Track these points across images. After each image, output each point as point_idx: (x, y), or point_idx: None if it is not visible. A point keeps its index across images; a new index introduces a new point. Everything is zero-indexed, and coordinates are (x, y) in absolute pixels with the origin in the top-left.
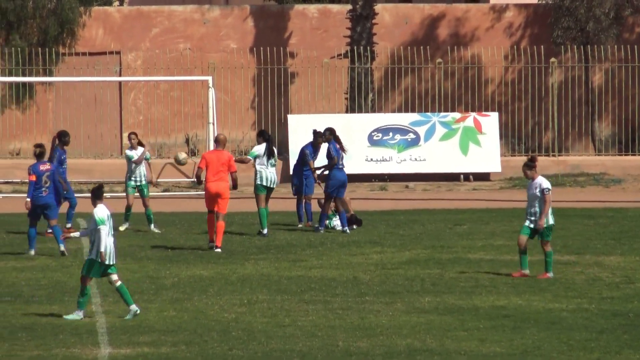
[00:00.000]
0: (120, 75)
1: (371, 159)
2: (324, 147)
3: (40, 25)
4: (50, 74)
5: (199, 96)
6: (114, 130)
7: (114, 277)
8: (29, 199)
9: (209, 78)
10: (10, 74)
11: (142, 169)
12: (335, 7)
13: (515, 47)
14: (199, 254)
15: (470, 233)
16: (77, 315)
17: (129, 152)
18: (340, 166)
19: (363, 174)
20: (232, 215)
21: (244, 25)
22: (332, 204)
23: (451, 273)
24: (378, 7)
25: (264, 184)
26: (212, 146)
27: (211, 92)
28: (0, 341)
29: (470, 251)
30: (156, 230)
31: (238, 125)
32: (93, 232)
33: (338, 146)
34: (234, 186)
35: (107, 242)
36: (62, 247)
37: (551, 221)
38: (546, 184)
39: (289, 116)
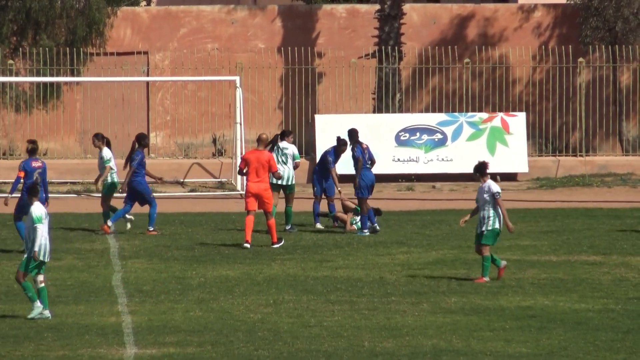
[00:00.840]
0: (147, 75)
1: (398, 159)
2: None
3: (68, 25)
4: (78, 74)
5: (227, 96)
6: (141, 130)
7: (41, 277)
8: (9, 196)
9: (237, 78)
10: (37, 74)
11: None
12: (363, 7)
13: (543, 47)
14: (226, 254)
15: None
16: (37, 310)
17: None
18: (368, 166)
19: (390, 174)
20: (259, 215)
21: (272, 25)
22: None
23: (477, 273)
24: (406, 7)
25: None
26: (239, 146)
27: (238, 92)
28: (26, 341)
29: (496, 251)
30: (106, 230)
31: (265, 125)
32: (30, 230)
33: (363, 146)
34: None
35: (42, 240)
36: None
37: (497, 225)
38: (495, 187)
39: (317, 116)
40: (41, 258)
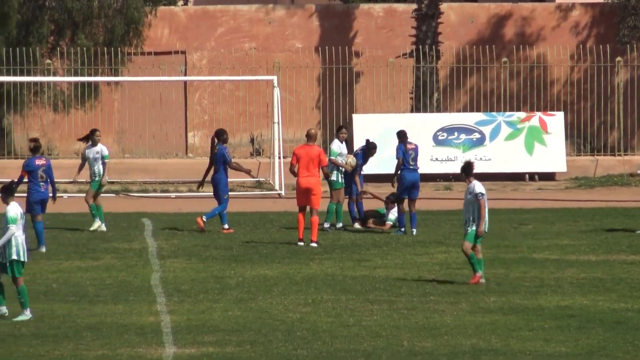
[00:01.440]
0: (185, 74)
1: (436, 159)
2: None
3: (106, 24)
4: (117, 74)
5: (264, 96)
6: (179, 130)
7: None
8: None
9: (274, 77)
10: (75, 74)
11: (99, 167)
12: (400, 7)
13: (581, 46)
14: (264, 253)
15: (535, 233)
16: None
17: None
18: (411, 167)
19: (428, 173)
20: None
21: (309, 25)
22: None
23: (516, 273)
24: (443, 6)
25: None
26: (276, 146)
27: (276, 92)
28: (65, 341)
29: (535, 251)
30: (94, 228)
31: (303, 124)
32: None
33: (409, 147)
34: (325, 177)
35: (16, 240)
36: (43, 249)
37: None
38: (479, 188)
39: (354, 115)
40: (19, 258)
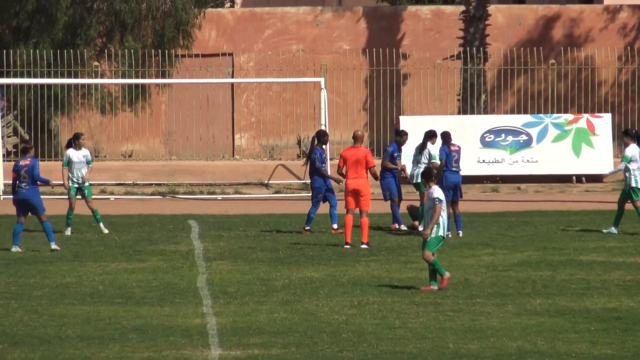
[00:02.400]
0: (232, 76)
1: (483, 161)
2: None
3: (155, 26)
4: (164, 76)
5: (311, 98)
6: (225, 132)
7: None
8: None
9: (321, 79)
10: (123, 76)
11: (82, 171)
12: (448, 8)
13: (628, 47)
14: (310, 255)
15: (581, 235)
16: None
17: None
18: (453, 168)
19: (475, 175)
20: (343, 217)
21: (357, 27)
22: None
23: (563, 275)
24: (491, 8)
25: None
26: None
27: (323, 94)
28: (111, 343)
29: (582, 253)
30: (105, 230)
31: (350, 126)
32: None
33: (453, 148)
34: (375, 179)
35: None
36: (53, 245)
37: (440, 233)
38: (437, 193)
39: (401, 117)
40: None
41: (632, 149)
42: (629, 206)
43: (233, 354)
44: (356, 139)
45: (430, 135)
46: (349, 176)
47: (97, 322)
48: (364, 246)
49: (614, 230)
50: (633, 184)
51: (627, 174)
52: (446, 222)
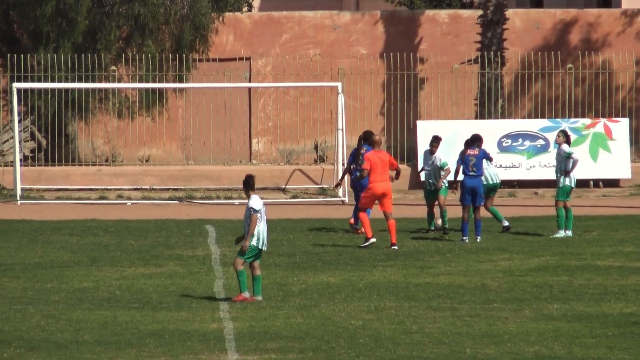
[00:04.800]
0: (249, 81)
1: (500, 165)
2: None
3: (174, 31)
4: (182, 80)
5: (328, 102)
6: (243, 137)
7: None
8: None
9: (339, 84)
10: (140, 80)
11: None
12: (465, 13)
13: None
14: (327, 260)
15: (599, 240)
16: None
17: None
18: (472, 173)
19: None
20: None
21: (374, 31)
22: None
23: (580, 280)
24: (509, 12)
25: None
26: (340, 152)
27: (340, 98)
28: (128, 347)
29: (599, 258)
30: None
31: None
32: None
33: (471, 153)
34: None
35: None
36: None
37: (254, 243)
38: (252, 203)
39: (418, 122)
40: None
41: None
42: None
43: (250, 358)
44: (375, 143)
45: (434, 140)
46: (375, 180)
47: (114, 327)
48: (395, 247)
49: None
50: None
51: None
52: (264, 233)
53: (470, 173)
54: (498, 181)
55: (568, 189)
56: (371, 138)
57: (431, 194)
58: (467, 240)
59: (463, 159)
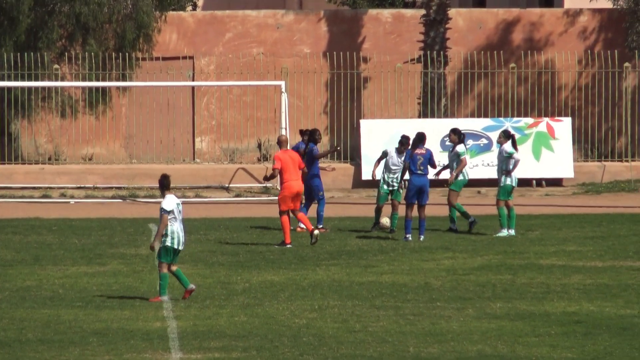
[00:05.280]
0: (193, 79)
1: (443, 165)
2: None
3: (117, 29)
4: (125, 79)
5: (272, 101)
6: (186, 135)
7: None
8: None
9: (282, 83)
10: (84, 79)
11: None
12: (408, 12)
13: (589, 51)
14: (270, 259)
15: (542, 239)
16: None
17: None
18: (419, 172)
19: (434, 179)
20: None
21: (318, 30)
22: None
23: (523, 279)
24: (452, 12)
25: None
26: None
27: (284, 97)
28: (71, 346)
29: (542, 257)
30: None
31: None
32: None
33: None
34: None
35: None
36: None
37: (168, 243)
38: (164, 204)
39: (362, 121)
40: None
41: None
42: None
43: (194, 357)
44: (282, 143)
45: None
46: (289, 178)
47: (58, 325)
48: (317, 232)
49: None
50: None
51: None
52: (179, 233)
53: (418, 172)
54: (467, 178)
55: (509, 189)
56: (315, 135)
57: (386, 196)
58: (410, 239)
59: (411, 157)
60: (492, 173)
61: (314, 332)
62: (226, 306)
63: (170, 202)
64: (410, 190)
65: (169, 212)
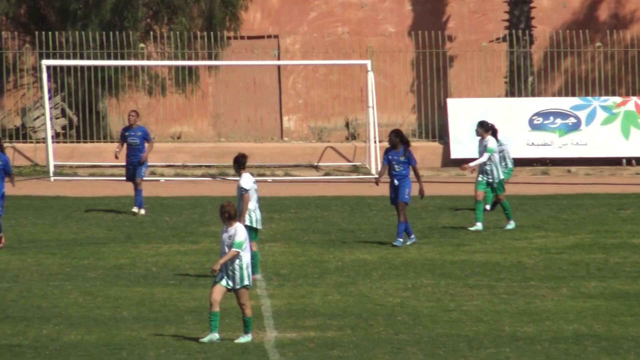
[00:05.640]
0: (278, 59)
1: (532, 143)
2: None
3: (203, 8)
4: (216, 58)
5: (358, 80)
6: (273, 114)
7: None
8: None
9: (368, 62)
10: (170, 58)
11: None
12: None
13: None
14: (362, 237)
15: (634, 218)
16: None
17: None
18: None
19: (524, 158)
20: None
21: (402, 9)
22: None
23: (616, 258)
24: None
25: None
26: (371, 130)
27: (370, 76)
28: (166, 324)
29: (634, 236)
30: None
31: (397, 109)
32: None
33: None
34: None
35: None
36: None
37: (247, 222)
38: (243, 182)
39: (449, 100)
40: None
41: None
42: None
43: (289, 336)
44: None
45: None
46: None
47: (152, 303)
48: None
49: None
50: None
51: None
52: (257, 212)
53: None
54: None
55: (501, 182)
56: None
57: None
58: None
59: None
60: (581, 152)
61: (408, 311)
62: (319, 285)
63: (248, 180)
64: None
65: (247, 191)
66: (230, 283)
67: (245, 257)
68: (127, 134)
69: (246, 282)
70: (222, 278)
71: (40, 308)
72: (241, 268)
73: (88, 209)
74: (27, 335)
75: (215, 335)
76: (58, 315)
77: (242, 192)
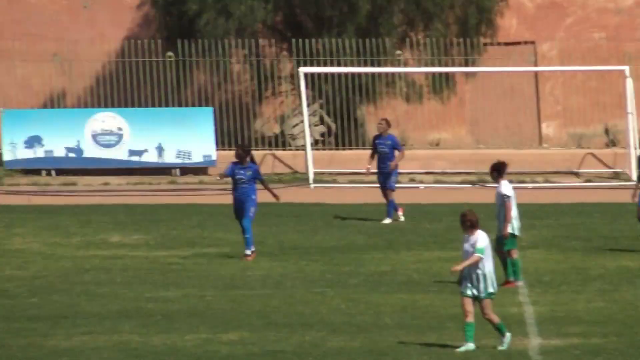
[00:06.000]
0: (535, 65)
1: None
2: None
3: (459, 15)
4: (469, 64)
5: (616, 86)
6: (531, 121)
7: None
8: None
9: (626, 68)
10: (427, 65)
11: None
12: None
13: None
14: (625, 244)
15: None
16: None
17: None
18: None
19: None
20: None
21: None
22: None
23: None
24: None
25: None
26: (631, 137)
27: (628, 82)
28: (429, 331)
29: None
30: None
31: None
32: None
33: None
34: None
35: None
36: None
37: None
38: (504, 189)
39: None
40: None
41: None
42: None
43: (553, 343)
44: None
45: None
46: None
47: (414, 310)
48: None
49: None
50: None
51: None
52: (516, 219)
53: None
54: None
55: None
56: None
57: None
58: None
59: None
60: None
61: None
62: (582, 292)
63: (508, 187)
64: None
65: (509, 197)
66: (475, 292)
67: (488, 265)
68: (377, 142)
69: (490, 290)
70: (466, 287)
71: (302, 314)
72: (485, 276)
73: (348, 216)
74: (290, 341)
75: (470, 346)
76: (320, 322)
77: (505, 200)
